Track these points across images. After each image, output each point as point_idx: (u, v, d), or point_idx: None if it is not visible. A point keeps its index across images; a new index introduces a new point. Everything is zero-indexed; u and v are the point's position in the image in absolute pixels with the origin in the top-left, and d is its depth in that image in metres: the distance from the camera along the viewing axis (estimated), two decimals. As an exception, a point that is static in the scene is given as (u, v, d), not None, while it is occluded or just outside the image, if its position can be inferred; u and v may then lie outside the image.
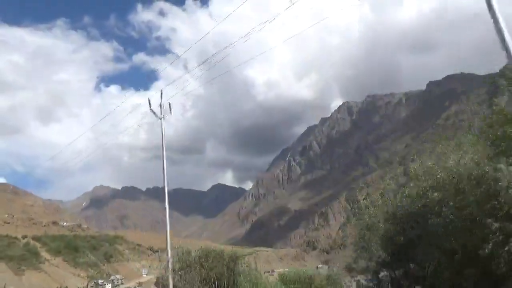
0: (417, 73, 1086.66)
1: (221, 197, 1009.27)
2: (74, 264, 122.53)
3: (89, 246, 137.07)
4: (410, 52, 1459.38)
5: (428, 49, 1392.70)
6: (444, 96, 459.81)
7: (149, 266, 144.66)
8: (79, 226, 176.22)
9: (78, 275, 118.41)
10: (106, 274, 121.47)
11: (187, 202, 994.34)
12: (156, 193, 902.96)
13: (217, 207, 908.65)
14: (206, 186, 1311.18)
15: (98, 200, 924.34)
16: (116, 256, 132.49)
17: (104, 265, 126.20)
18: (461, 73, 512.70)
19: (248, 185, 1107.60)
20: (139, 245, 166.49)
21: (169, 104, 21.83)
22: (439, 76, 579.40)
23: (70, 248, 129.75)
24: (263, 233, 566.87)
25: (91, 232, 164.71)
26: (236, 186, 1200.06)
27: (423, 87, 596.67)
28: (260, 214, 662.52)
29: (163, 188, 23.04)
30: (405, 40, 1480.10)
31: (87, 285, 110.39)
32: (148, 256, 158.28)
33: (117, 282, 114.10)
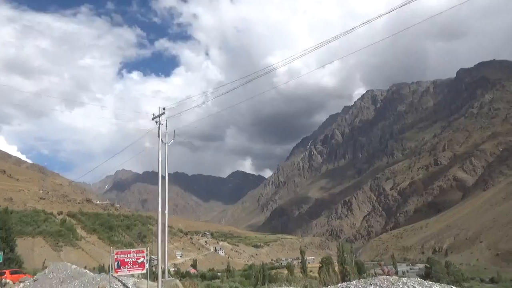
0: (445, 61, 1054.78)
1: (240, 184, 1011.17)
2: (110, 243, 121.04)
3: (123, 225, 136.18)
4: (438, 39, 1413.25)
5: (457, 36, 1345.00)
6: (476, 84, 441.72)
7: (182, 248, 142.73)
8: (112, 205, 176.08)
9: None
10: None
11: (207, 188, 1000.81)
12: (176, 178, 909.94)
13: (236, 193, 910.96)
14: (225, 172, 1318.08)
15: (121, 184, 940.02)
16: (149, 236, 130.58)
17: (138, 244, 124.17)
18: (494, 59, 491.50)
19: (267, 173, 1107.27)
20: (170, 226, 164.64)
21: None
22: (469, 64, 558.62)
23: (104, 226, 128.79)
24: (283, 220, 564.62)
25: (124, 212, 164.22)
26: (255, 173, 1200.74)
27: (452, 75, 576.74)
28: (280, 202, 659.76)
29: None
30: (433, 27, 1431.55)
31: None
32: (180, 238, 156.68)
33: (153, 263, 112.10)
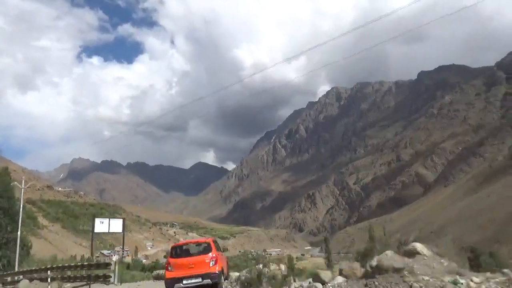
0: (407, 63, 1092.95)
1: (202, 176, 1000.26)
2: (75, 233, 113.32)
3: (88, 213, 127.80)
4: (400, 42, 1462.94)
5: (418, 40, 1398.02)
6: (436, 87, 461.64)
7: (152, 239, 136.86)
8: (76, 192, 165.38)
9: (80, 244, 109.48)
10: (110, 245, 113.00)
11: (168, 179, 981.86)
12: (136, 168, 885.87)
13: (198, 185, 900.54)
14: (187, 164, 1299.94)
15: (77, 173, 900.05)
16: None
17: (106, 235, 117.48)
18: (453, 64, 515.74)
19: (230, 166, 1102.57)
20: (138, 216, 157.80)
21: None
22: (429, 67, 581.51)
23: (68, 214, 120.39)
24: (246, 213, 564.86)
25: (89, 200, 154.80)
26: (218, 166, 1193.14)
27: (413, 77, 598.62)
28: (243, 194, 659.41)
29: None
30: (396, 30, 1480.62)
31: (92, 255, 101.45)
32: (149, 228, 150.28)
33: (124, 254, 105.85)
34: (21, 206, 31.14)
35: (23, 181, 32.21)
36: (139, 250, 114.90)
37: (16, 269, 26.53)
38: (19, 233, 29.31)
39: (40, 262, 36.80)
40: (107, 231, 28.73)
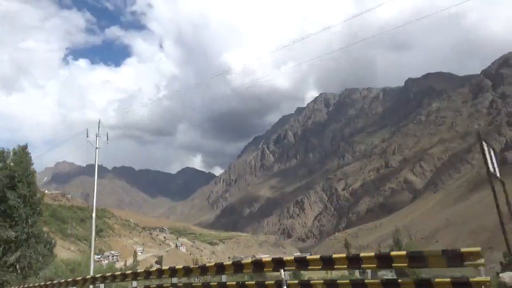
0: (394, 70, 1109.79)
1: (189, 181, 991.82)
2: (62, 236, 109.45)
3: (76, 217, 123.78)
4: (387, 50, 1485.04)
5: (405, 47, 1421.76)
6: (423, 94, 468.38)
7: (143, 244, 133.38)
8: (64, 195, 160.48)
9: (68, 249, 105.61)
10: (99, 250, 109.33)
11: (155, 183, 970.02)
12: (122, 172, 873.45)
13: (186, 190, 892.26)
14: (174, 169, 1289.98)
15: (61, 176, 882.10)
16: (106, 231, 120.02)
17: (96, 239, 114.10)
18: (440, 72, 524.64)
19: (217, 171, 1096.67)
20: (128, 220, 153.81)
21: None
22: (416, 74, 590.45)
23: (55, 217, 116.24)
24: (234, 218, 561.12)
25: (77, 203, 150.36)
26: (205, 171, 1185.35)
27: (400, 84, 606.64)
28: (231, 200, 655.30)
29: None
30: (383, 37, 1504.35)
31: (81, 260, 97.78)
32: (139, 233, 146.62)
33: (113, 259, 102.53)
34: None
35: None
36: (128, 255, 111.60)
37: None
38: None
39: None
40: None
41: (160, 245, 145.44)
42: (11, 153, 26.23)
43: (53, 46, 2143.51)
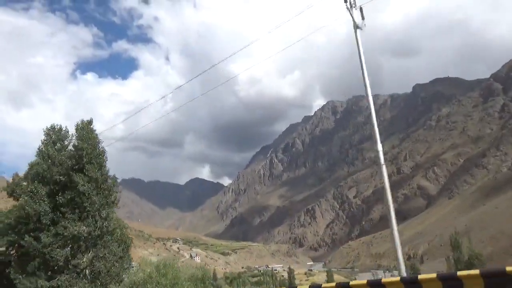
0: (401, 77, 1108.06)
1: (198, 191, 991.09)
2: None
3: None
4: (393, 56, 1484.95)
5: (411, 53, 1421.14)
6: (432, 99, 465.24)
7: (158, 255, 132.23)
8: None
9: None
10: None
11: (164, 195, 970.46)
12: (132, 184, 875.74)
13: (195, 201, 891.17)
14: (183, 179, 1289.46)
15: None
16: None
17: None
18: (448, 76, 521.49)
19: (226, 181, 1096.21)
20: (141, 231, 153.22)
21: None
22: (423, 80, 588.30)
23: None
24: (244, 228, 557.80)
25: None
26: (214, 181, 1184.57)
27: (408, 90, 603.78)
28: (240, 210, 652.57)
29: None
30: (388, 44, 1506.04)
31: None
32: (154, 244, 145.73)
33: (133, 270, 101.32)
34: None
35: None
36: (145, 266, 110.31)
37: None
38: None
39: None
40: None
41: (174, 255, 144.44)
42: (74, 131, 20.65)
43: (61, 61, 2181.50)
